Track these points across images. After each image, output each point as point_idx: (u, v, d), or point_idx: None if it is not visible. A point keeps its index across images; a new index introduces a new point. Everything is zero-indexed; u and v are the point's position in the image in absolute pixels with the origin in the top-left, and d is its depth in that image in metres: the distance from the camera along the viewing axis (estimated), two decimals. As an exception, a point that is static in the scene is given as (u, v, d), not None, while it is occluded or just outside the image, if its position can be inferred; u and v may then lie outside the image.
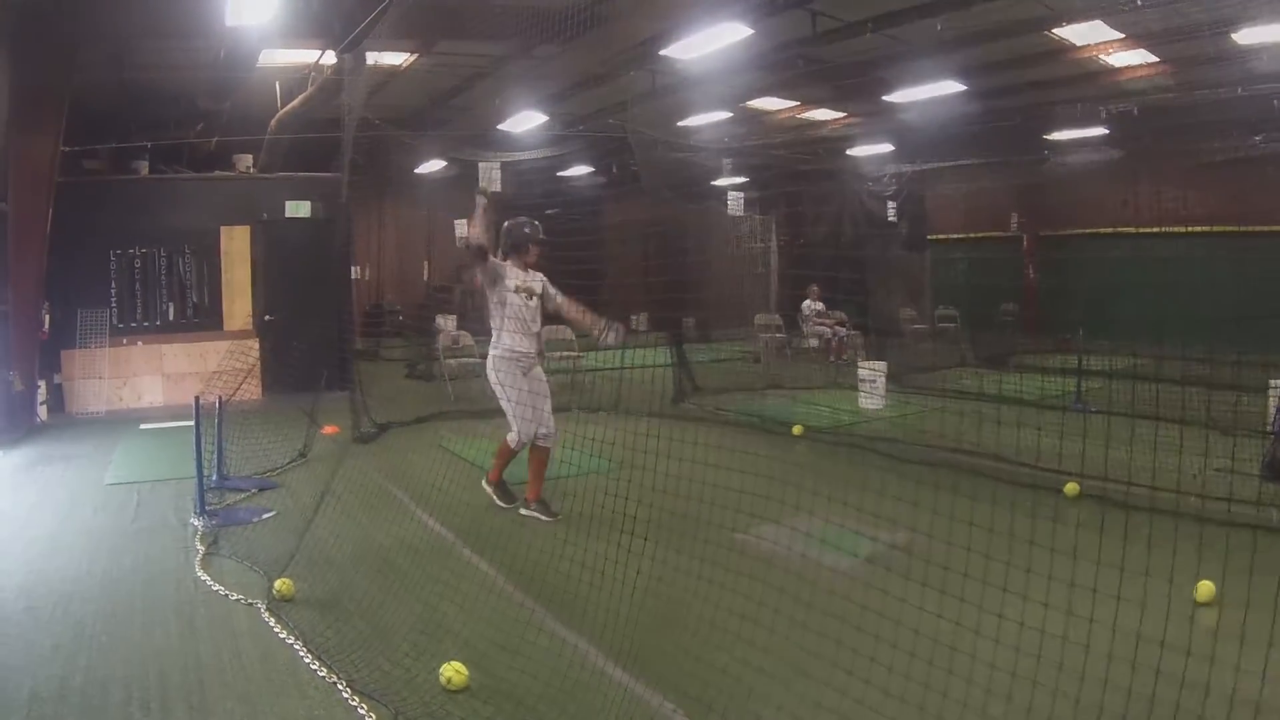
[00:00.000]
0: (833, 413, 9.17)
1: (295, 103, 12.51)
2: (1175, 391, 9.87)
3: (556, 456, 7.07)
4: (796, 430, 9.61)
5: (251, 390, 12.01)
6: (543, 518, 6.83)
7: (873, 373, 11.58)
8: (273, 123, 13.23)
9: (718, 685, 3.92)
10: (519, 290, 6.78)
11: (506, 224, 7.04)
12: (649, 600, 4.59)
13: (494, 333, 6.86)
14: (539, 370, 7.09)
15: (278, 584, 5.13)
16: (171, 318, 12.92)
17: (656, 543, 4.89)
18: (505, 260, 6.84)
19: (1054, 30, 10.60)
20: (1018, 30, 10.53)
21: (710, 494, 5.03)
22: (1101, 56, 11.58)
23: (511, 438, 6.83)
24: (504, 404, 6.79)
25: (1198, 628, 3.77)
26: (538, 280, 6.93)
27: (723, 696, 3.86)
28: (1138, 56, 11.71)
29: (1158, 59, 11.70)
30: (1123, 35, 10.82)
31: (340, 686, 4.02)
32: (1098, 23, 10.32)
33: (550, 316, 7.19)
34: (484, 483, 7.27)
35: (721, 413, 10.50)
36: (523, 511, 6.97)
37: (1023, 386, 11.80)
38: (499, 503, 7.12)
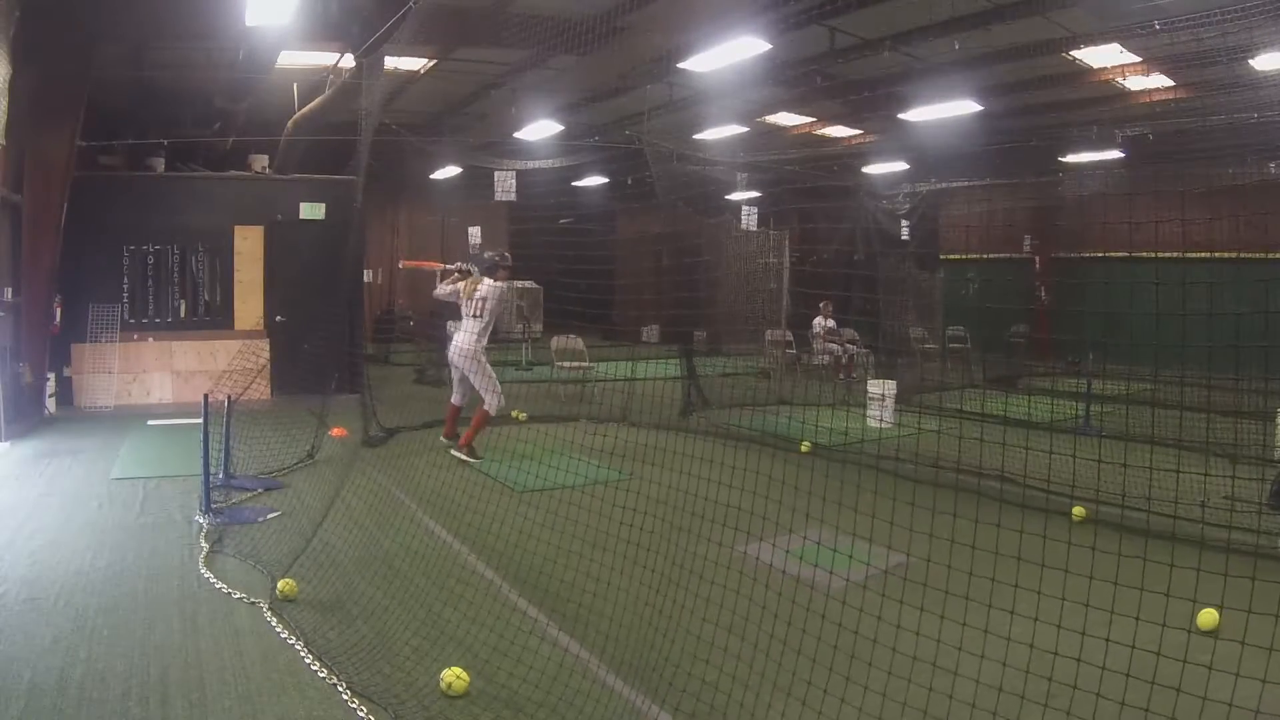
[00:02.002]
0: (841, 430, 9.12)
1: (312, 105, 12.56)
2: (1185, 417, 9.82)
3: (563, 466, 7.56)
4: (804, 447, 9.58)
5: (261, 390, 12.03)
6: (471, 460, 8.82)
7: (882, 391, 11.55)
8: (289, 124, 13.29)
9: (716, 698, 3.90)
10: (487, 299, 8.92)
11: (490, 255, 9.34)
12: (649, 611, 4.57)
13: (481, 329, 8.83)
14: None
15: (281, 584, 5.12)
16: (183, 315, 12.97)
17: (659, 554, 4.86)
18: (495, 281, 8.95)
19: (1072, 52, 10.62)
20: (1035, 52, 10.55)
21: (715, 508, 4.99)
22: (1118, 80, 11.58)
23: (492, 405, 8.83)
24: (485, 380, 8.81)
25: (1198, 655, 3.73)
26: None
27: (720, 709, 3.84)
28: (1155, 80, 11.72)
29: (1174, 83, 11.71)
30: (1140, 59, 10.83)
31: (340, 688, 4.01)
32: (1115, 46, 10.33)
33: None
34: (454, 451, 8.96)
35: (729, 427, 10.46)
36: (453, 452, 8.98)
37: (1032, 409, 11.74)
38: (470, 460, 8.79)
